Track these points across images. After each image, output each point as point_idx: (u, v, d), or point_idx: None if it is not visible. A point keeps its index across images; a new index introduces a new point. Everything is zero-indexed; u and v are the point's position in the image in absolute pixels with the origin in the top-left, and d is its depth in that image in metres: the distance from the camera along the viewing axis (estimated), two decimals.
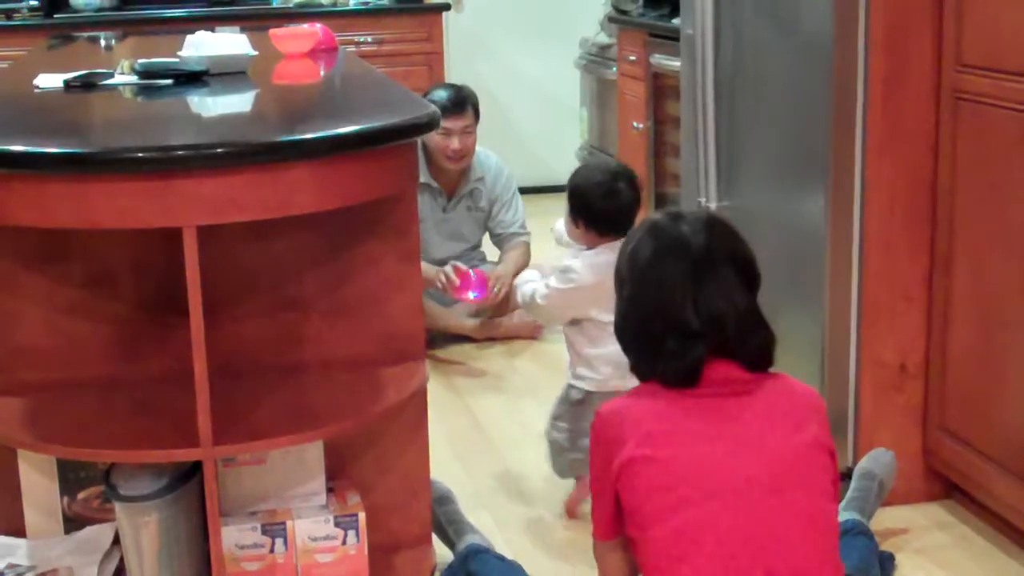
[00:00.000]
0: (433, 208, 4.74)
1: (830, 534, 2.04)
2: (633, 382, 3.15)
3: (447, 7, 6.77)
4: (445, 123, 4.48)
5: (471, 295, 4.43)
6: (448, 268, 4.44)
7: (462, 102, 4.68)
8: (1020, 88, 2.78)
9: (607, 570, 2.23)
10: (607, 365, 3.20)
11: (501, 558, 2.88)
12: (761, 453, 2.01)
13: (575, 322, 3.28)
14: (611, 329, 3.18)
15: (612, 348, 3.17)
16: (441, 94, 4.70)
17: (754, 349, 2.08)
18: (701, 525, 1.98)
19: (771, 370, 2.13)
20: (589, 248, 3.25)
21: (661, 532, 2.00)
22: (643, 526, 2.02)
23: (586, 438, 3.37)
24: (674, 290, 2.04)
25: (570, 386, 3.32)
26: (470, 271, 4.42)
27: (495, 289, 4.59)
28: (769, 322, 2.12)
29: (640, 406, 2.09)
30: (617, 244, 3.24)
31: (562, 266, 3.27)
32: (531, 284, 3.37)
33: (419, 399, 2.58)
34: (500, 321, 4.76)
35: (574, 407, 3.31)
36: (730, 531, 1.97)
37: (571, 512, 3.31)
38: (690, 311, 2.03)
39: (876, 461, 3.05)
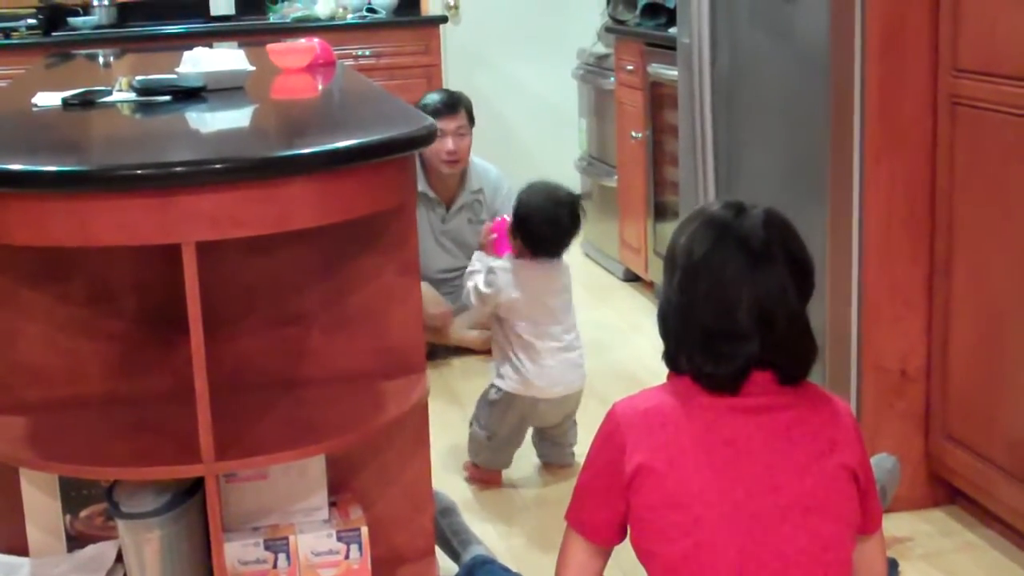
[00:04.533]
0: (431, 218, 4.74)
1: (843, 565, 2.01)
2: (553, 391, 3.22)
3: (444, 19, 6.78)
4: (439, 124, 4.46)
5: None
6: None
7: (454, 103, 4.71)
8: (1017, 92, 2.78)
9: (571, 571, 2.14)
10: (532, 374, 3.44)
11: (506, 569, 2.87)
12: (779, 480, 1.96)
13: (500, 321, 3.52)
14: (539, 345, 3.43)
15: (546, 362, 3.42)
16: (434, 97, 4.76)
17: (795, 357, 2.02)
18: (713, 548, 1.94)
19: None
20: (519, 257, 3.51)
21: (670, 551, 1.97)
22: (652, 540, 1.99)
23: (501, 439, 3.52)
24: (729, 284, 1.97)
25: (491, 385, 3.53)
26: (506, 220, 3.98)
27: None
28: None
29: (663, 412, 2.02)
30: (548, 262, 3.49)
31: (490, 267, 3.52)
32: (472, 277, 3.59)
33: (421, 412, 2.58)
34: None
35: (491, 407, 3.53)
36: (741, 557, 1.94)
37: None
38: (743, 306, 1.96)
39: (879, 467, 3.04)
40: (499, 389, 3.51)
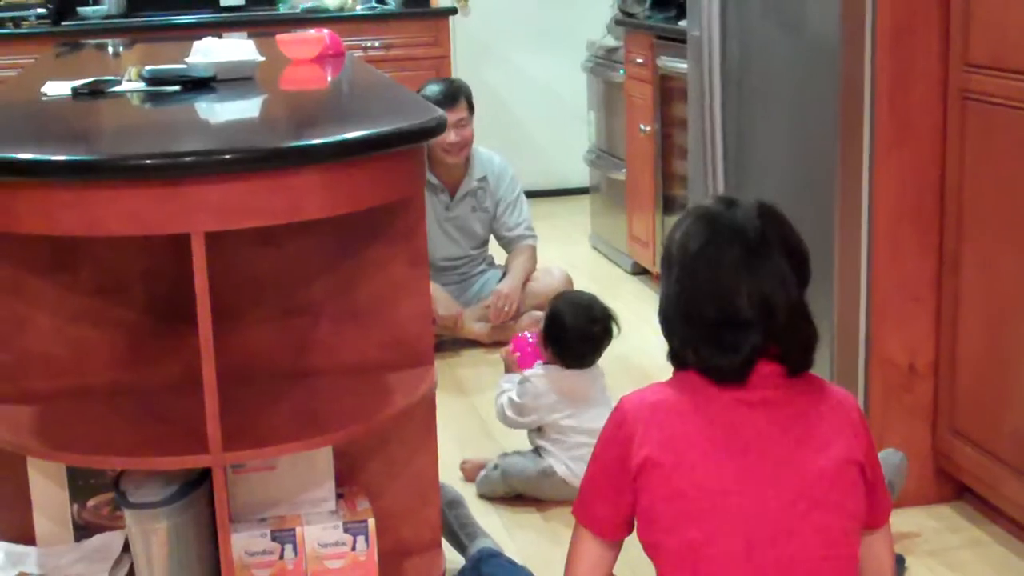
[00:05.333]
0: (435, 206, 4.75)
1: (849, 559, 2.00)
2: None
3: (454, 11, 6.77)
4: None
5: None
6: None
7: (454, 95, 4.69)
8: None
9: (582, 567, 2.13)
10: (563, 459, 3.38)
11: (512, 562, 2.88)
12: (785, 472, 1.96)
13: (539, 430, 3.47)
14: (571, 434, 3.37)
15: (572, 452, 3.36)
16: (433, 88, 4.74)
17: (799, 345, 2.02)
18: (719, 541, 1.94)
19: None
20: (550, 363, 3.48)
21: (677, 542, 1.97)
22: (659, 532, 1.99)
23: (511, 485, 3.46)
24: (727, 275, 1.97)
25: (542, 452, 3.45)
26: (526, 336, 4.13)
27: (504, 308, 4.67)
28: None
29: (670, 405, 2.02)
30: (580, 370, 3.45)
31: (523, 376, 3.47)
32: (502, 395, 3.53)
33: (428, 403, 2.58)
34: (509, 325, 4.77)
35: (529, 475, 3.44)
36: (747, 550, 1.94)
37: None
38: (743, 297, 1.96)
39: (886, 463, 3.03)
40: (550, 466, 3.42)
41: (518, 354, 3.64)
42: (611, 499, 2.06)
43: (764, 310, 1.97)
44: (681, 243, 2.06)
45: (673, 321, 2.07)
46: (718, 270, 1.99)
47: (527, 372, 3.49)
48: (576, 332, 3.45)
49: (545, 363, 3.50)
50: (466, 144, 4.74)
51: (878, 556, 2.16)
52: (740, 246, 1.99)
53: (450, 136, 4.64)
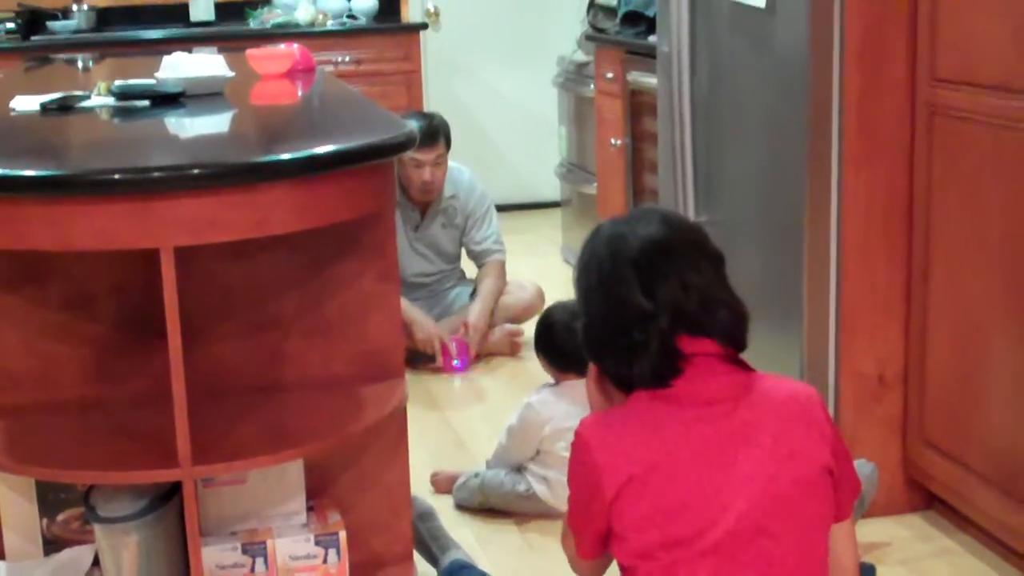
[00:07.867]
0: (405, 224, 4.74)
1: (821, 565, 2.01)
2: None
3: (424, 26, 6.78)
4: (416, 155, 4.52)
5: (455, 363, 4.59)
6: (436, 344, 4.64)
7: (434, 133, 4.67)
8: (993, 102, 2.80)
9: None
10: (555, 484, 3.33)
11: (484, 574, 2.87)
12: (754, 490, 1.94)
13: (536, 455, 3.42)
14: (562, 466, 3.27)
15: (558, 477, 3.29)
16: (411, 124, 4.63)
17: (723, 323, 2.01)
18: (691, 565, 1.94)
19: (760, 371, 2.06)
20: (556, 383, 3.46)
21: (652, 567, 1.96)
22: (633, 556, 1.98)
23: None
24: (621, 278, 2.00)
25: (526, 479, 3.42)
26: (450, 343, 4.56)
27: (479, 340, 4.66)
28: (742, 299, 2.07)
29: (633, 432, 2.00)
30: (580, 383, 3.38)
31: (527, 403, 3.44)
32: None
33: (399, 416, 2.58)
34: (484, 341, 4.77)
35: (510, 495, 3.43)
36: (719, 569, 1.94)
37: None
38: (641, 293, 1.98)
39: (857, 473, 3.04)
40: (530, 489, 3.40)
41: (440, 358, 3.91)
42: (594, 527, 2.05)
43: (667, 302, 1.98)
44: (577, 265, 2.12)
45: (594, 342, 2.10)
46: (611, 276, 2.02)
47: (530, 398, 3.44)
48: (563, 326, 3.40)
49: (544, 385, 3.48)
50: (440, 183, 4.74)
51: (838, 552, 2.14)
52: (629, 250, 2.01)
53: (425, 175, 4.65)
